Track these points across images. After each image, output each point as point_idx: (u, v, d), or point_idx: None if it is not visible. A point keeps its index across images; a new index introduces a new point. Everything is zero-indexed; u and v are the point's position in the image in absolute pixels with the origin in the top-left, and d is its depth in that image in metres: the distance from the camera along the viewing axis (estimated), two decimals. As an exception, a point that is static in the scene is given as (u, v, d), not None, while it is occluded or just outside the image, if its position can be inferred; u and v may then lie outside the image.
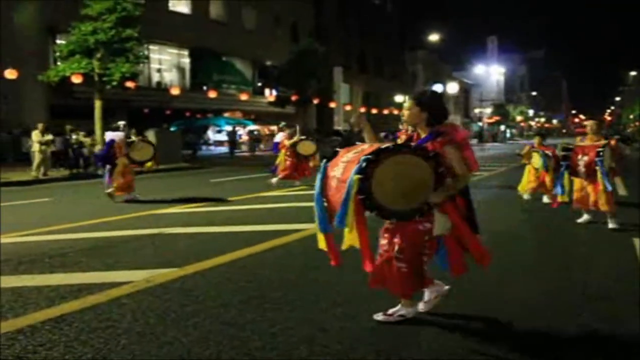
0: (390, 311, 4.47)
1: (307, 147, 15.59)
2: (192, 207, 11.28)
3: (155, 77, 36.57)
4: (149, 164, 13.12)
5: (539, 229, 9.02)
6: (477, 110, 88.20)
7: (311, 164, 15.47)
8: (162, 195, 13.30)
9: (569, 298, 5.12)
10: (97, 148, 20.67)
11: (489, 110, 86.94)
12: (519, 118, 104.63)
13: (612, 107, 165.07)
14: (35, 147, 19.26)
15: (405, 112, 4.49)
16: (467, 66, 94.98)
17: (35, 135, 19.35)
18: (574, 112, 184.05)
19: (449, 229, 4.21)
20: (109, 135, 12.77)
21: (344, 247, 4.54)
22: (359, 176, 3.96)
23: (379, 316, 4.46)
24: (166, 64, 37.77)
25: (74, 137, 21.40)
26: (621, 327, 4.34)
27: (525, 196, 11.97)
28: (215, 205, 11.56)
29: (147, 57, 30.84)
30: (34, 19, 27.43)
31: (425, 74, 73.43)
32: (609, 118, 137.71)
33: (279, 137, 16.13)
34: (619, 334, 4.21)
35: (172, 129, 35.10)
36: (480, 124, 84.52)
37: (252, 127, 43.46)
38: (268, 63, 44.45)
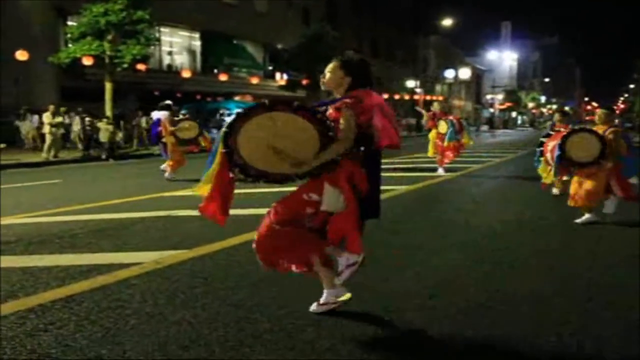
0: (322, 300, 4.23)
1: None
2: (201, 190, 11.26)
3: (166, 60, 36.52)
4: (192, 146, 13.45)
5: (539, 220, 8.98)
6: (489, 97, 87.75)
7: None
8: (185, 176, 13.28)
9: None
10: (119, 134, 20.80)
11: (500, 97, 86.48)
12: (530, 105, 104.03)
13: (626, 95, 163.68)
14: (46, 129, 19.34)
15: (327, 74, 4.14)
16: (480, 52, 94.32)
17: (46, 117, 19.42)
18: (586, 99, 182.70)
19: (342, 207, 3.88)
20: (156, 115, 13.10)
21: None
22: (224, 129, 3.78)
23: (313, 307, 4.24)
24: (177, 47, 37.70)
25: (87, 119, 21.46)
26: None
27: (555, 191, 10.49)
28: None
29: (158, 40, 30.81)
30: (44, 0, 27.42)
31: (437, 59, 72.99)
32: (622, 106, 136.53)
33: None
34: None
35: (182, 112, 35.09)
36: (491, 110, 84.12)
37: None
38: (279, 46, 44.27)
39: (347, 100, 3.86)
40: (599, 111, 8.32)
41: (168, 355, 3.54)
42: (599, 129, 7.90)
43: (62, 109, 21.58)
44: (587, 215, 7.91)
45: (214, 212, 4.18)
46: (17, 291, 4.76)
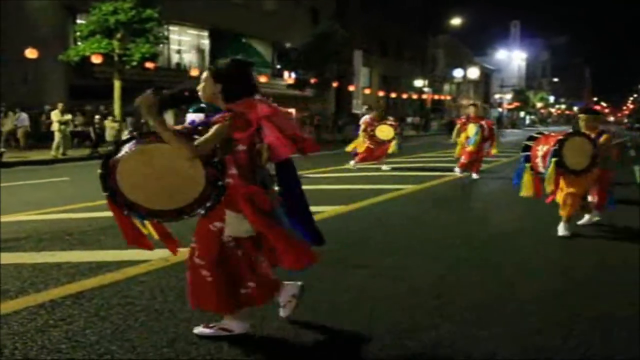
0: (212, 324, 3.88)
1: (386, 132, 15.29)
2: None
3: (175, 58, 36.57)
4: None
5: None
6: (497, 96, 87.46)
7: (390, 149, 15.46)
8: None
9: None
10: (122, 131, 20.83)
11: (509, 96, 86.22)
12: (539, 104, 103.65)
13: (635, 95, 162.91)
14: (55, 126, 19.40)
15: (202, 85, 3.76)
16: (489, 51, 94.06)
17: (55, 115, 19.48)
18: (595, 99, 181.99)
19: (248, 231, 3.61)
20: (190, 117, 13.28)
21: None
22: (100, 171, 3.52)
23: (198, 329, 3.86)
24: (186, 45, 37.75)
25: (96, 117, 21.49)
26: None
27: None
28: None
29: (167, 38, 30.86)
30: (54, -1, 27.53)
31: (445, 59, 72.82)
32: (631, 106, 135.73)
33: (364, 119, 15.90)
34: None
35: (190, 110, 35.15)
36: (500, 109, 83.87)
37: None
38: (287, 45, 44.26)
39: (226, 115, 3.49)
40: (581, 116, 7.50)
41: (177, 352, 3.56)
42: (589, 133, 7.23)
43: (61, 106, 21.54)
44: (563, 225, 7.19)
45: (137, 242, 3.92)
46: (28, 287, 4.80)
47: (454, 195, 11.18)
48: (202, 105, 14.45)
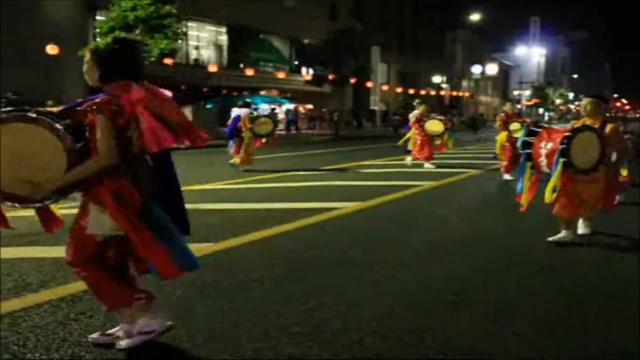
0: (110, 331, 3.66)
1: (436, 126, 14.99)
2: (227, 184, 11.38)
3: (193, 54, 36.77)
4: (264, 139, 14.35)
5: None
6: (515, 93, 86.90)
7: (438, 142, 15.21)
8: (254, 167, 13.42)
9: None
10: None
11: (528, 93, 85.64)
12: (558, 101, 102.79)
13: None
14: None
15: (84, 67, 3.48)
16: (508, 47, 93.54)
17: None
18: (616, 95, 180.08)
19: (111, 229, 3.29)
20: (235, 112, 13.84)
21: None
22: None
23: (120, 343, 3.53)
24: (204, 41, 37.94)
25: None
26: None
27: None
28: (250, 183, 11.65)
29: (185, 34, 31.03)
30: (74, -5, 27.77)
31: (464, 54, 72.49)
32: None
33: (413, 113, 15.70)
34: None
35: (208, 106, 35.33)
36: (518, 106, 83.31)
37: (289, 105, 43.53)
38: (306, 41, 44.32)
39: (97, 101, 3.22)
40: (586, 101, 6.64)
41: (195, 346, 3.59)
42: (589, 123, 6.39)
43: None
44: (563, 233, 6.46)
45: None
46: (49, 281, 4.86)
47: (480, 193, 11.13)
48: (247, 100, 14.91)
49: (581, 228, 6.79)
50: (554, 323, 4.09)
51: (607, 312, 4.34)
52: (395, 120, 41.59)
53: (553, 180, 6.11)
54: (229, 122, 14.31)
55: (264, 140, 14.37)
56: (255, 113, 14.55)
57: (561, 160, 6.01)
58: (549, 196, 6.20)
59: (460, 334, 3.85)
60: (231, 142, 14.20)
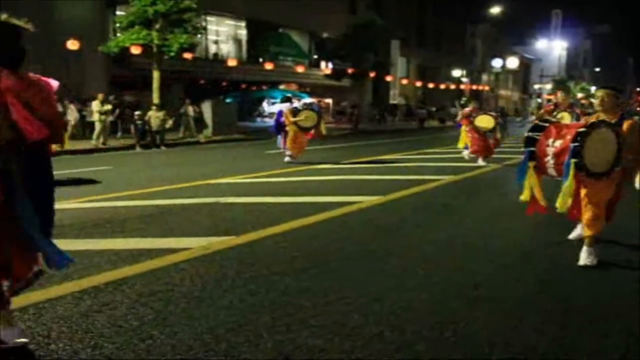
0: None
1: (486, 121, 14.60)
2: (247, 178, 11.41)
3: (212, 49, 36.85)
4: (312, 131, 14.58)
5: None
6: (536, 86, 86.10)
7: (491, 140, 14.82)
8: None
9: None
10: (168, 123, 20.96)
11: (549, 86, 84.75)
12: (579, 95, 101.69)
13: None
14: (95, 116, 19.73)
15: None
16: (529, 40, 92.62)
17: (95, 105, 19.81)
18: (638, 89, 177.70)
19: None
20: (278, 107, 14.39)
21: None
22: None
23: None
24: (223, 36, 37.99)
25: (136, 113, 21.57)
26: None
27: None
28: (271, 176, 11.67)
29: (205, 29, 31.08)
30: (95, -11, 27.93)
31: (484, 48, 71.94)
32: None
33: (464, 110, 15.64)
34: None
35: (227, 100, 35.42)
36: (539, 100, 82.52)
37: (308, 99, 43.46)
38: (325, 35, 44.23)
39: None
40: (601, 92, 5.72)
41: (217, 338, 3.61)
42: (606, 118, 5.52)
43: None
44: (586, 250, 5.44)
45: None
46: (72, 273, 4.89)
47: (501, 187, 11.06)
48: (288, 94, 15.21)
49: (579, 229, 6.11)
50: (575, 319, 4.06)
51: (627, 309, 4.29)
52: (421, 114, 41.61)
53: (568, 186, 5.28)
54: (274, 118, 14.88)
55: (312, 132, 14.56)
56: (297, 107, 14.73)
57: (573, 161, 5.17)
58: (563, 204, 5.41)
59: (481, 329, 3.83)
60: (279, 137, 14.79)
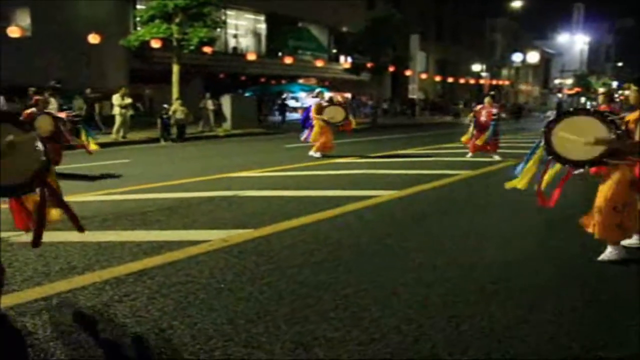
0: None
1: (335, 113, 14.56)
2: (266, 172, 11.47)
3: (232, 43, 36.91)
4: (340, 126, 14.54)
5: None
6: (557, 81, 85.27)
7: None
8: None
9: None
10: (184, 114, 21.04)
11: (570, 81, 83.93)
12: (601, 90, 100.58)
13: None
14: (116, 110, 19.89)
15: None
16: (550, 34, 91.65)
17: (116, 99, 19.96)
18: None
19: None
20: (308, 102, 14.44)
21: None
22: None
23: None
24: (242, 30, 38.04)
25: (164, 106, 21.64)
26: None
27: None
28: (289, 170, 11.72)
29: (224, 23, 31.17)
30: (116, -16, 28.11)
31: (504, 42, 71.37)
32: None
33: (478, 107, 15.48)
34: None
35: (246, 94, 35.51)
36: (559, 95, 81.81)
37: (326, 94, 43.32)
38: (344, 29, 44.10)
39: None
40: (631, 87, 5.37)
41: (237, 329, 3.66)
42: (636, 114, 5.16)
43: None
44: (609, 250, 5.38)
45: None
46: (94, 264, 4.99)
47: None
48: (319, 89, 15.29)
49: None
50: (593, 313, 4.06)
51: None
52: (458, 109, 41.66)
53: (527, 168, 5.69)
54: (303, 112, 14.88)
55: (342, 126, 14.53)
56: (323, 102, 14.65)
57: (541, 145, 5.41)
58: (518, 182, 5.82)
59: (498, 323, 3.85)
60: (305, 131, 14.72)
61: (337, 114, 14.30)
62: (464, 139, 15.02)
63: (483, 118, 14.34)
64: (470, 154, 14.48)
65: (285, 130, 26.59)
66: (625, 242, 5.51)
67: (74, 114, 11.84)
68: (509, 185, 6.00)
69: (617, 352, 3.49)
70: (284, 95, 38.29)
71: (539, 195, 5.62)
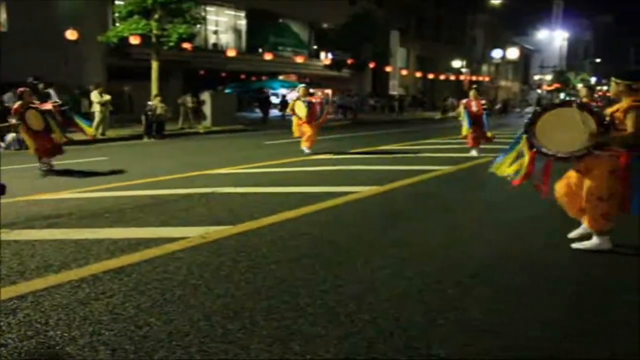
0: None
1: (298, 109, 14.45)
2: (245, 168, 11.45)
3: (212, 39, 36.74)
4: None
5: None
6: (536, 77, 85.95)
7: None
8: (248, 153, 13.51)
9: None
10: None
11: (549, 77, 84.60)
12: (579, 86, 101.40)
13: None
14: (95, 107, 19.73)
15: None
16: (530, 31, 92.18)
17: (94, 96, 19.80)
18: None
19: None
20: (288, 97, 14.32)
21: None
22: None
23: None
24: (222, 26, 37.85)
25: (149, 103, 21.48)
26: None
27: None
28: (268, 167, 11.71)
29: (204, 19, 31.00)
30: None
31: (484, 39, 71.72)
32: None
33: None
34: None
35: (227, 91, 35.38)
36: (539, 91, 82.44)
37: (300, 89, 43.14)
38: (324, 26, 44.08)
39: None
40: (614, 81, 5.50)
41: (213, 325, 3.66)
42: (623, 105, 5.26)
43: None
44: (594, 240, 5.52)
45: None
46: (70, 262, 4.96)
47: (497, 178, 11.09)
48: (301, 85, 14.97)
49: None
50: (569, 307, 4.11)
51: (613, 294, 4.35)
52: (447, 105, 41.87)
53: (509, 157, 5.81)
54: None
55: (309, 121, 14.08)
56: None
57: (524, 136, 5.52)
58: (498, 168, 5.96)
59: (473, 316, 3.88)
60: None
61: (300, 110, 14.04)
62: (464, 132, 14.88)
63: (474, 109, 14.43)
64: (474, 151, 14.39)
65: (266, 127, 26.57)
66: (573, 234, 5.78)
67: (59, 103, 11.69)
68: (491, 169, 6.09)
69: (593, 346, 3.53)
70: (268, 92, 38.10)
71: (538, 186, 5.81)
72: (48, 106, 10.83)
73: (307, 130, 14.10)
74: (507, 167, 5.91)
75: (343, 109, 36.92)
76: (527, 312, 3.97)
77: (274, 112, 34.49)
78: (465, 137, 14.82)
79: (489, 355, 3.35)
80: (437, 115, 40.00)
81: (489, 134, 14.72)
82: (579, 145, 5.21)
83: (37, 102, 11.27)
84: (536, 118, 5.40)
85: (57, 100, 12.95)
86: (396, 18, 49.17)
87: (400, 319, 3.79)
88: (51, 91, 20.52)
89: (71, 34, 23.71)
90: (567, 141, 5.26)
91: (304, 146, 14.14)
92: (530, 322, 3.80)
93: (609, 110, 5.37)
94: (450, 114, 16.96)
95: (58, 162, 11.50)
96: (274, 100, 40.19)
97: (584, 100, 9.90)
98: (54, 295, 4.16)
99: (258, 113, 34.11)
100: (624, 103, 5.28)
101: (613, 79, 5.54)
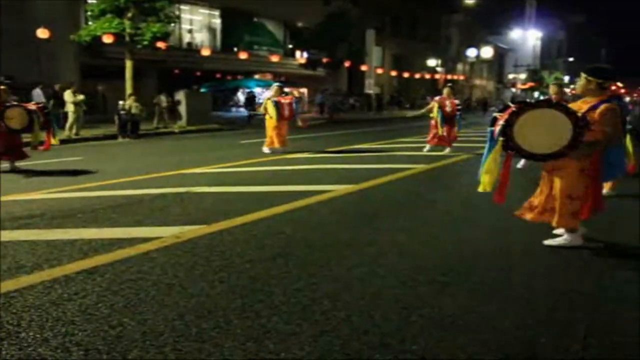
0: None
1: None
2: (219, 167, 11.42)
3: (186, 38, 36.55)
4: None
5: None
6: (511, 76, 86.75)
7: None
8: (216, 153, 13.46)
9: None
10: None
11: (523, 76, 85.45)
12: (551, 84, 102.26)
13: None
14: (69, 107, 19.52)
15: None
16: (504, 30, 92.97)
17: (68, 95, 19.59)
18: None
19: None
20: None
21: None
22: None
23: None
24: (197, 25, 37.68)
25: (120, 102, 21.32)
26: None
27: None
28: (243, 166, 11.69)
29: (178, 17, 30.84)
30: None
31: (459, 38, 72.23)
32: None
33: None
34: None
35: (202, 90, 35.23)
36: (513, 89, 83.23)
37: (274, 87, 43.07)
38: (299, 24, 44.07)
39: None
40: (583, 77, 5.53)
41: (187, 324, 3.66)
42: (585, 103, 5.43)
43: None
44: (566, 236, 5.64)
45: None
46: (42, 263, 4.91)
47: (472, 176, 11.19)
48: (277, 84, 14.73)
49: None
50: (540, 305, 4.17)
51: (592, 295, 4.42)
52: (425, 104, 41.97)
53: (488, 162, 5.45)
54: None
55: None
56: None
57: (500, 139, 5.25)
58: (486, 183, 5.57)
59: (447, 313, 3.92)
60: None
61: (267, 109, 13.84)
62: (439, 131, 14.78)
63: (448, 109, 14.46)
64: (428, 147, 14.49)
65: (241, 126, 26.51)
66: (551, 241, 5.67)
67: (42, 105, 11.61)
68: (481, 189, 5.74)
69: (566, 340, 3.59)
70: (253, 90, 37.80)
71: (496, 192, 5.67)
72: (32, 106, 10.78)
73: (274, 130, 13.82)
74: (488, 183, 5.61)
75: (322, 107, 36.92)
76: (501, 308, 4.02)
77: (240, 111, 34.28)
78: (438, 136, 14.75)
79: (464, 351, 3.39)
80: (409, 113, 40.18)
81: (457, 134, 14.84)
82: (556, 147, 5.13)
83: (14, 100, 11.21)
84: (513, 119, 5.18)
85: (42, 101, 12.83)
86: (371, 17, 49.30)
87: (374, 317, 3.82)
88: (38, 91, 20.35)
89: (42, 32, 23.41)
90: (544, 143, 5.18)
91: (265, 147, 13.99)
92: (504, 318, 3.85)
93: (576, 107, 5.36)
94: (421, 111, 16.94)
95: (31, 163, 11.37)
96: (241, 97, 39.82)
97: (554, 97, 10.41)
98: (26, 296, 4.12)
99: (234, 112, 34.03)
100: (593, 101, 5.35)
101: (584, 75, 5.49)
